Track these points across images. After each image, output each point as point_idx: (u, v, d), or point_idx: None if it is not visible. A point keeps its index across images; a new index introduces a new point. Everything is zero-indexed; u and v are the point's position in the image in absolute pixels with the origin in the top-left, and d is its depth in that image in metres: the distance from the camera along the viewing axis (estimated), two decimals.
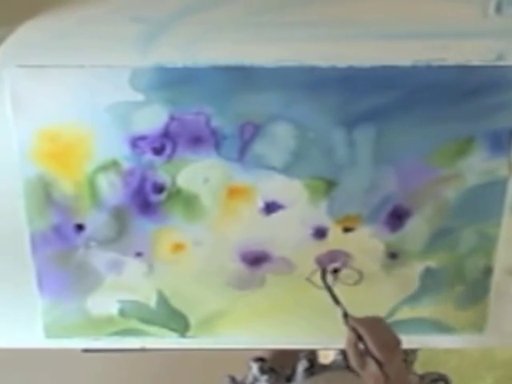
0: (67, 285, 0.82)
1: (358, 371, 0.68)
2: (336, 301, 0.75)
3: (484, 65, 0.71)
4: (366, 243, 0.79)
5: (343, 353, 0.93)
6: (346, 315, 0.72)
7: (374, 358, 0.66)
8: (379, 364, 0.66)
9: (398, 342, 0.69)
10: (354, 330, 0.69)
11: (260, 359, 0.96)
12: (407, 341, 0.86)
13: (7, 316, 0.85)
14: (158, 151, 0.75)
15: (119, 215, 0.78)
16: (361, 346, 0.68)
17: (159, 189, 0.77)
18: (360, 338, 0.68)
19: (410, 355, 0.95)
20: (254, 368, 0.95)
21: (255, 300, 0.83)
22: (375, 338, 0.67)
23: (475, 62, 0.70)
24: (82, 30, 0.69)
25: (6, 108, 0.73)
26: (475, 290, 0.82)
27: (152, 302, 0.83)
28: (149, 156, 0.75)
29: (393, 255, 0.80)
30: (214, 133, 0.74)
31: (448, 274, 0.81)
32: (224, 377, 1.00)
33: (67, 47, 0.70)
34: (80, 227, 0.79)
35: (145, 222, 0.78)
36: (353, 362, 0.69)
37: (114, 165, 0.75)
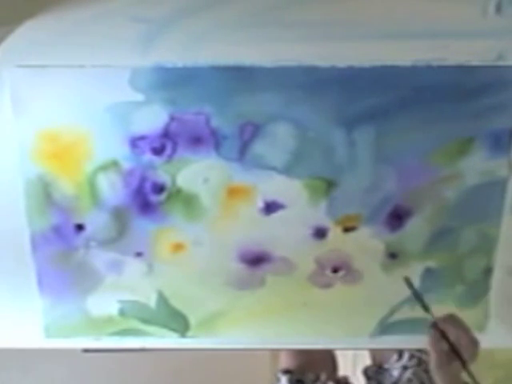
0: (67, 285, 0.82)
1: (438, 372, 0.69)
2: (424, 306, 0.75)
3: (484, 65, 0.70)
4: (365, 243, 0.79)
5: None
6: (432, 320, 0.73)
7: (458, 356, 0.67)
8: (464, 363, 0.67)
9: (476, 341, 0.70)
10: (438, 329, 0.70)
11: (288, 371, 0.96)
12: (407, 341, 0.86)
13: (7, 316, 0.85)
14: (157, 151, 0.75)
15: (119, 215, 0.78)
16: (444, 345, 0.69)
17: (159, 189, 0.77)
18: (443, 337, 0.69)
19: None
20: (283, 380, 0.94)
21: (255, 300, 0.83)
22: (462, 336, 0.69)
23: (475, 62, 0.70)
24: (82, 29, 0.69)
25: (6, 108, 0.73)
26: (475, 289, 0.82)
27: (152, 302, 0.83)
28: (149, 156, 0.75)
29: (393, 255, 0.80)
30: (213, 133, 0.74)
31: (448, 274, 0.81)
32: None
33: (67, 47, 0.70)
34: (80, 227, 0.79)
35: (145, 221, 0.78)
36: (437, 361, 0.69)
37: (113, 165, 0.75)
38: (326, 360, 1.06)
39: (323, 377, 0.95)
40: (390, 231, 0.79)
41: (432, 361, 0.69)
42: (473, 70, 0.71)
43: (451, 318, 0.71)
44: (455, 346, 0.68)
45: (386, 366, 0.95)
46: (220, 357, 1.07)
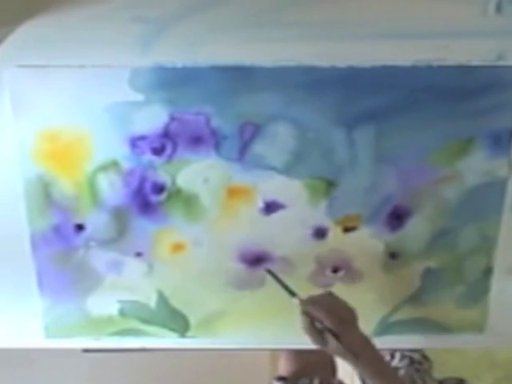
0: (67, 285, 0.82)
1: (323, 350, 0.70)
2: (289, 291, 0.75)
3: (484, 65, 0.71)
4: (365, 243, 0.79)
5: None
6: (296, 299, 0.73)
7: (330, 332, 0.68)
8: (336, 336, 0.68)
9: (351, 313, 0.71)
10: (306, 312, 0.70)
11: (282, 378, 0.96)
12: (407, 341, 0.86)
13: (7, 316, 0.85)
14: (157, 151, 0.75)
15: (119, 215, 0.78)
16: (318, 324, 0.69)
17: (159, 189, 0.77)
18: (314, 317, 0.70)
19: (423, 364, 0.94)
20: None
21: (255, 300, 0.83)
22: (328, 313, 0.69)
23: (475, 62, 0.70)
24: (82, 30, 0.69)
25: (5, 108, 0.73)
26: (475, 290, 0.82)
27: (152, 302, 0.83)
28: (148, 156, 0.75)
29: (393, 255, 0.80)
30: (214, 133, 0.74)
31: (448, 274, 0.81)
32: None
33: (67, 47, 0.70)
34: (80, 227, 0.79)
35: (145, 222, 0.78)
36: (313, 342, 0.70)
37: (113, 165, 0.75)
38: (324, 363, 1.06)
39: (316, 381, 0.95)
40: (390, 231, 0.79)
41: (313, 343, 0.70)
42: (473, 70, 0.71)
43: (316, 297, 0.72)
44: (324, 323, 0.68)
45: None
46: (220, 357, 1.07)
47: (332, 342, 0.68)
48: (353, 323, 0.71)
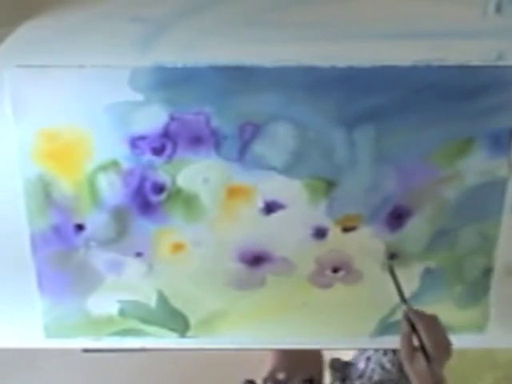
0: (67, 285, 0.82)
1: (405, 364, 0.69)
2: (402, 296, 0.76)
3: (484, 65, 0.71)
4: (366, 243, 0.79)
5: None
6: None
7: (425, 353, 0.67)
8: (428, 360, 0.67)
9: (449, 344, 0.70)
10: (410, 322, 0.70)
11: (250, 381, 0.97)
12: None
13: (7, 316, 0.85)
14: (157, 151, 0.75)
15: (119, 215, 0.78)
16: (415, 340, 0.69)
17: (159, 189, 0.77)
18: (415, 331, 0.69)
19: None
20: None
21: (255, 300, 0.83)
22: (431, 335, 0.68)
23: (475, 62, 0.70)
24: (82, 30, 0.69)
25: (5, 108, 0.73)
26: (475, 290, 0.82)
27: (152, 302, 0.83)
28: (148, 156, 0.75)
29: (393, 255, 0.80)
30: (213, 133, 0.74)
31: (448, 274, 0.81)
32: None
33: (67, 47, 0.70)
34: (80, 227, 0.79)
35: (145, 222, 0.78)
36: (403, 353, 0.69)
37: (113, 165, 0.75)
38: (313, 362, 1.06)
39: (296, 380, 0.95)
40: (390, 231, 0.79)
41: (401, 353, 0.70)
42: (473, 70, 0.71)
43: (425, 315, 0.71)
44: (422, 341, 0.68)
45: (352, 360, 0.95)
46: (220, 357, 1.07)
47: (421, 363, 0.68)
48: (446, 356, 0.70)
